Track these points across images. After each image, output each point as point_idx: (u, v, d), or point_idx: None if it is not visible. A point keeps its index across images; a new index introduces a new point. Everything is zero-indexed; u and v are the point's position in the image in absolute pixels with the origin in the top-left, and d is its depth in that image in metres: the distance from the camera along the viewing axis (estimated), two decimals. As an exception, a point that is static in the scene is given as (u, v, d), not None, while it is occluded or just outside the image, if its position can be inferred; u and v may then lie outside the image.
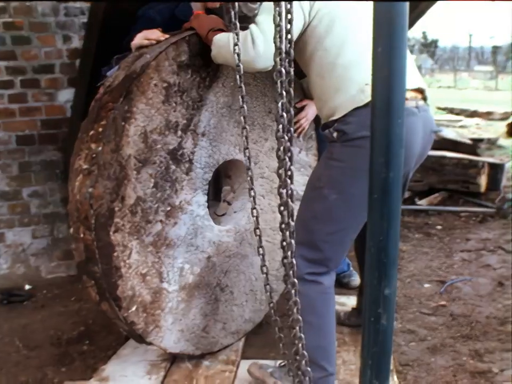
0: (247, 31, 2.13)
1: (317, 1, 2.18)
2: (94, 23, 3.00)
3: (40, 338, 3.15)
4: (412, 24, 4.67)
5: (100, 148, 2.18)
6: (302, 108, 2.91)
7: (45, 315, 3.46)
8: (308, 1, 2.16)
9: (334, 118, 2.16)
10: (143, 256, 2.37)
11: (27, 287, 3.84)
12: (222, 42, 2.24)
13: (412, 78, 2.20)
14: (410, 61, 2.23)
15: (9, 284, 3.81)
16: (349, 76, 2.13)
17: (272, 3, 2.17)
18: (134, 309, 2.36)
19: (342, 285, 3.60)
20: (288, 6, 1.43)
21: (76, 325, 3.31)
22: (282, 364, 2.49)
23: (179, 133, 2.41)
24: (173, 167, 2.42)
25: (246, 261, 2.86)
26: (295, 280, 1.69)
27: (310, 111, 2.91)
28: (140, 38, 2.45)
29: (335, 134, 2.15)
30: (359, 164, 2.01)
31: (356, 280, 3.56)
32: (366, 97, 2.00)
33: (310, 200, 2.22)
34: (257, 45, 2.10)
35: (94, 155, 2.19)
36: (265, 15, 2.14)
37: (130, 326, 2.38)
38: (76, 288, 3.85)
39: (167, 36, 2.41)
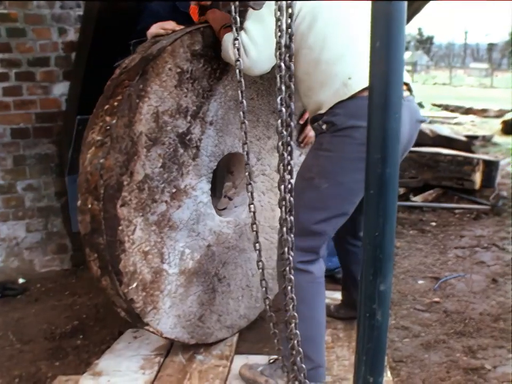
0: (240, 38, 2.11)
1: (298, 0, 2.19)
2: (90, 16, 2.99)
3: (33, 332, 3.14)
4: (408, 20, 4.68)
5: (114, 121, 2.23)
6: (306, 121, 2.95)
7: (38, 309, 3.45)
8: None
9: (322, 111, 2.22)
10: (147, 234, 2.40)
11: (21, 280, 3.83)
12: (226, 43, 2.30)
13: None
14: None
15: (3, 278, 3.80)
16: (332, 70, 2.18)
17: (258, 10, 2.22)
18: (134, 285, 2.37)
19: (335, 281, 3.60)
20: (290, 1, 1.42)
21: (70, 319, 3.30)
22: (272, 360, 2.51)
23: (188, 118, 2.46)
24: (181, 150, 2.47)
25: (244, 255, 2.87)
26: (292, 276, 1.69)
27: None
28: (156, 28, 2.51)
29: (324, 126, 2.21)
30: (347, 152, 2.13)
31: None
32: (349, 90, 2.11)
33: (300, 190, 2.22)
34: (250, 55, 2.19)
35: (108, 127, 2.25)
36: (251, 21, 2.22)
37: (129, 303, 2.39)
38: (70, 282, 3.85)
39: (182, 26, 2.48)
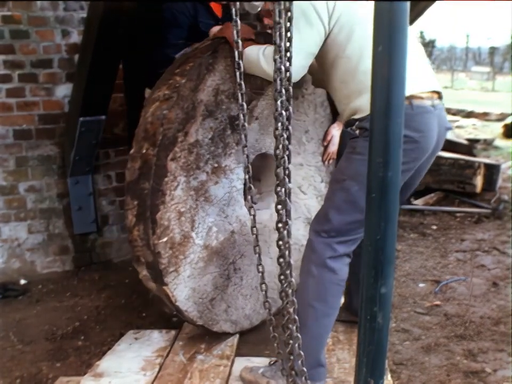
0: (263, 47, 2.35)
1: (335, 11, 2.28)
2: (94, 18, 3.00)
3: (35, 333, 3.15)
4: (410, 23, 4.68)
5: (183, 81, 2.49)
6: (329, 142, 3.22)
7: (39, 310, 3.46)
8: (326, 11, 2.27)
9: (356, 117, 2.31)
10: (185, 196, 2.54)
11: (22, 281, 3.83)
12: (251, 58, 2.39)
13: (429, 80, 2.37)
14: (426, 63, 2.46)
15: (4, 279, 3.80)
16: (369, 79, 2.16)
17: (296, 18, 2.25)
18: (164, 240, 2.48)
19: None
20: (288, 4, 1.43)
21: (71, 320, 3.31)
22: (273, 362, 2.54)
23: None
24: (229, 131, 2.67)
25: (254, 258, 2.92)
26: (292, 280, 1.70)
27: (335, 140, 3.20)
28: (216, 29, 2.83)
29: (357, 131, 2.30)
30: None
31: None
32: None
33: (333, 193, 2.36)
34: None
35: (177, 85, 2.50)
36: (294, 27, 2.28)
37: (156, 256, 2.48)
38: (71, 283, 3.85)
39: None
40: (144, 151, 2.47)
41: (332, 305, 2.39)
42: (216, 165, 2.66)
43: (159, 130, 2.43)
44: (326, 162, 3.24)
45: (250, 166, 1.95)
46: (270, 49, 2.33)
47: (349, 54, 2.29)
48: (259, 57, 2.35)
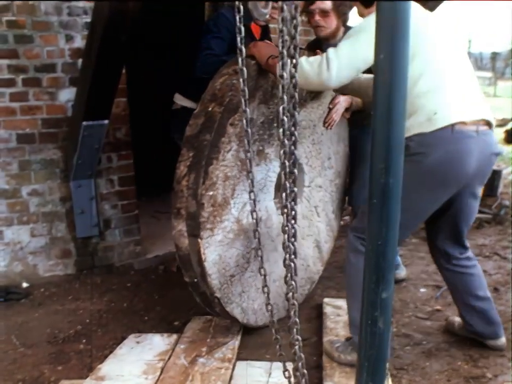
0: (325, 54, 2.44)
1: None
2: (98, 23, 3.02)
3: (37, 336, 3.16)
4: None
5: (253, 63, 2.74)
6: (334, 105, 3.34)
7: (42, 313, 3.47)
8: None
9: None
10: (233, 163, 2.71)
11: (24, 285, 3.85)
12: (307, 73, 2.49)
13: (476, 108, 2.49)
14: (475, 87, 2.58)
15: (6, 282, 3.82)
16: (420, 103, 2.40)
17: (365, 25, 2.45)
18: (210, 194, 2.64)
19: None
20: (293, 11, 1.45)
21: (73, 324, 3.32)
22: (348, 338, 2.80)
23: None
24: (275, 124, 2.88)
25: (274, 254, 3.04)
26: (294, 282, 1.71)
27: (340, 106, 3.31)
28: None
29: None
30: (413, 175, 2.33)
31: (403, 272, 3.89)
32: (433, 125, 2.38)
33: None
34: (331, 68, 2.41)
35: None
36: (346, 41, 2.47)
37: (199, 207, 2.60)
38: (73, 287, 3.87)
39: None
40: (210, 109, 2.67)
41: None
42: (260, 148, 2.88)
43: (227, 94, 2.64)
44: (327, 126, 3.34)
45: (253, 172, 1.96)
46: (312, 59, 2.51)
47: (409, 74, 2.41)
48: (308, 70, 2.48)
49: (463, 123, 2.39)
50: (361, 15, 2.87)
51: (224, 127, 2.64)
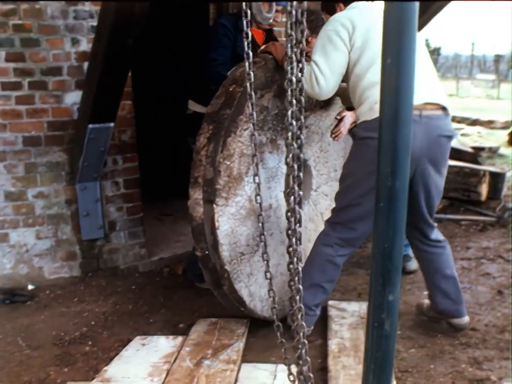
0: (310, 68, 2.77)
1: (354, 35, 2.80)
2: (104, 27, 3.04)
3: (42, 338, 3.18)
4: (423, 25, 4.75)
5: (271, 57, 2.98)
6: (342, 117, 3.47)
7: (47, 315, 3.49)
8: (347, 35, 2.80)
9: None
10: (248, 142, 2.80)
11: (30, 287, 3.86)
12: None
13: (423, 93, 2.67)
14: (429, 73, 2.88)
15: (12, 284, 3.83)
16: (365, 95, 2.77)
17: (323, 36, 2.82)
18: (227, 163, 2.77)
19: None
20: (300, 16, 1.46)
21: (78, 326, 3.33)
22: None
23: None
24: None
25: (280, 247, 3.08)
26: (300, 286, 1.72)
27: (347, 121, 3.38)
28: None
29: (351, 136, 2.93)
30: (365, 158, 2.70)
31: (413, 264, 3.97)
32: (374, 114, 2.60)
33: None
34: (320, 84, 2.79)
35: (267, 58, 2.98)
36: (318, 55, 2.82)
37: (216, 174, 2.75)
38: (79, 289, 3.88)
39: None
40: (230, 89, 2.85)
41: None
42: (274, 137, 3.02)
43: (247, 78, 2.85)
44: (334, 137, 3.42)
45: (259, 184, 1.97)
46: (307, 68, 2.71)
47: (356, 72, 2.81)
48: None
49: None
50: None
51: (242, 106, 2.78)
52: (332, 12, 3.09)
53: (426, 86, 2.77)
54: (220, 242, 2.74)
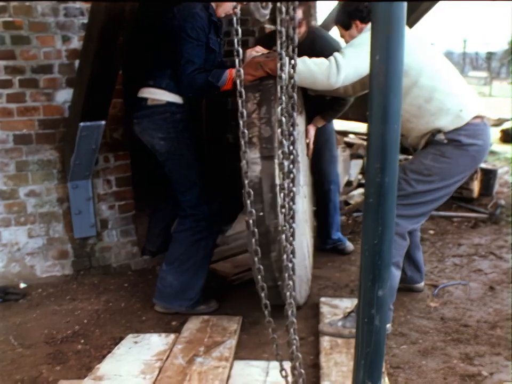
0: (332, 58, 2.80)
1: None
2: (95, 25, 3.03)
3: (35, 337, 3.17)
4: (416, 21, 4.78)
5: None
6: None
7: (39, 314, 3.48)
8: None
9: (438, 129, 2.98)
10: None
11: (22, 285, 3.85)
12: (307, 65, 2.84)
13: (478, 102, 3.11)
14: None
15: (4, 282, 3.82)
16: (446, 106, 2.94)
17: (364, 39, 2.68)
18: (264, 125, 2.86)
19: (338, 252, 4.41)
20: (292, 13, 1.46)
21: (71, 324, 3.33)
22: (347, 314, 3.05)
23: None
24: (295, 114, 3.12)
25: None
26: (291, 282, 1.73)
27: (312, 138, 3.88)
28: (251, 51, 3.19)
29: (445, 141, 2.96)
30: (462, 162, 2.98)
31: (350, 246, 4.47)
32: (464, 120, 2.94)
33: (416, 182, 2.99)
34: (341, 73, 2.80)
35: None
36: (353, 49, 2.87)
37: (274, 132, 2.81)
38: (71, 287, 3.87)
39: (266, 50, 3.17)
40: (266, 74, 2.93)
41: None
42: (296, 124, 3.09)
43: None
44: (310, 155, 3.84)
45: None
46: (318, 61, 2.84)
47: (422, 85, 2.93)
48: (311, 68, 2.82)
49: (485, 117, 3.05)
50: (342, 36, 3.28)
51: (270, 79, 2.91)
52: (346, 27, 3.19)
53: (474, 96, 3.12)
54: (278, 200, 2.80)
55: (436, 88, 2.95)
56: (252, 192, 2.05)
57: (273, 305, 1.88)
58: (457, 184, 3.07)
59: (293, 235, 1.69)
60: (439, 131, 2.97)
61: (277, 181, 2.75)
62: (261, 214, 2.80)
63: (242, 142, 1.77)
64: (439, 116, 2.96)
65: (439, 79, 2.99)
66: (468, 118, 2.94)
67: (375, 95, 1.32)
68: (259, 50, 3.16)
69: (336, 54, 2.84)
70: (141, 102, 3.31)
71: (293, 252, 1.69)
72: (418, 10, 4.61)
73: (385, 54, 1.25)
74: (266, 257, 2.87)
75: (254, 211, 2.77)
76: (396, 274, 3.05)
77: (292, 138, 1.62)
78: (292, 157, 1.54)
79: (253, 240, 2.87)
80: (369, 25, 3.04)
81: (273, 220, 2.79)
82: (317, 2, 6.54)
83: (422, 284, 3.66)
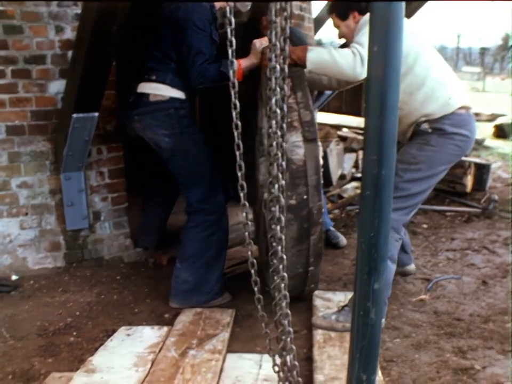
0: (355, 50, 2.79)
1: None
2: (88, 15, 3.00)
3: (26, 329, 3.15)
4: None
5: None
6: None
7: (31, 306, 3.46)
8: None
9: (425, 119, 3.01)
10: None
11: (14, 277, 3.83)
12: (328, 56, 2.86)
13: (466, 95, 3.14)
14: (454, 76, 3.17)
15: (-5, 274, 3.80)
16: (436, 93, 2.98)
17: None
18: (303, 109, 2.91)
19: (332, 246, 4.37)
20: (284, 3, 1.45)
21: (63, 316, 3.31)
22: (341, 308, 3.06)
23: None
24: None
25: None
26: (285, 275, 1.72)
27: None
28: (260, 41, 3.14)
29: (430, 130, 3.01)
30: (447, 150, 3.00)
31: (343, 239, 4.45)
32: (451, 107, 2.98)
33: (403, 171, 2.98)
34: (364, 67, 2.67)
35: None
36: (366, 37, 2.68)
37: (313, 116, 2.92)
38: (63, 279, 3.85)
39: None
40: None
41: None
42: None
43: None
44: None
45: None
46: (343, 52, 2.82)
47: (416, 72, 2.95)
48: (336, 58, 2.81)
49: (470, 108, 3.07)
50: (337, 26, 3.26)
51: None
52: (343, 17, 3.17)
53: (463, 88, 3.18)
54: (322, 182, 2.84)
55: (428, 77, 2.99)
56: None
57: (266, 299, 1.87)
58: (443, 173, 3.10)
59: (283, 227, 1.67)
60: (424, 121, 3.01)
61: (323, 162, 2.80)
62: (305, 197, 2.83)
63: (236, 134, 1.75)
64: (428, 102, 3.00)
65: (432, 69, 3.03)
66: (456, 106, 2.99)
67: (373, 87, 1.31)
68: (265, 42, 3.11)
69: (356, 45, 2.82)
70: (142, 97, 3.26)
71: (282, 245, 1.68)
72: (408, 9, 4.62)
73: (384, 45, 1.24)
74: (305, 241, 2.90)
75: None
76: (391, 268, 3.03)
77: (282, 131, 1.61)
78: (281, 149, 1.53)
79: (295, 227, 2.90)
80: (367, 16, 3.05)
81: (316, 202, 2.83)
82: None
83: (412, 265, 3.72)
